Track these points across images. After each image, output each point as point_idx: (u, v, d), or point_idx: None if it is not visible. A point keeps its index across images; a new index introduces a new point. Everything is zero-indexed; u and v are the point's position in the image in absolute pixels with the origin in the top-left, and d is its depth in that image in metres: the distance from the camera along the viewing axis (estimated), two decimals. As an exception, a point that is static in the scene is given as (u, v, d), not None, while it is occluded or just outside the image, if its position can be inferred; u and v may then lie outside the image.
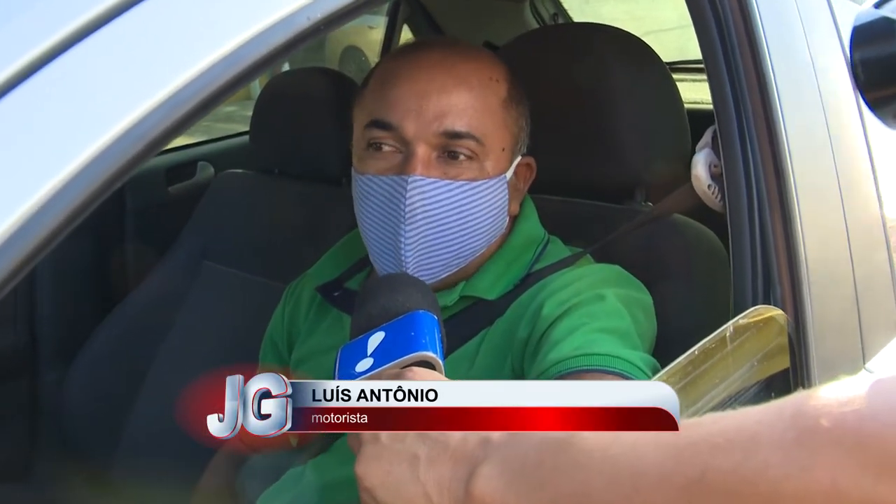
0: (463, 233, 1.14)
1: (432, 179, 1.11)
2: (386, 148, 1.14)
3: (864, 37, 1.11)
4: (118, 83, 0.60)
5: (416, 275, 1.13)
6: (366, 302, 0.91)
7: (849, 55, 1.16)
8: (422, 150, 1.11)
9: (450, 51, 1.17)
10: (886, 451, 0.53)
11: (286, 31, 0.64)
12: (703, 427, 0.61)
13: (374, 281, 1.03)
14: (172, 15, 0.63)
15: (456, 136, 1.11)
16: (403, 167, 1.12)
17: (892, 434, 0.53)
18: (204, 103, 0.60)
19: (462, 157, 1.12)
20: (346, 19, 0.69)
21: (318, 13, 0.65)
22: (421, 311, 0.85)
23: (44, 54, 0.59)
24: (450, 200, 1.12)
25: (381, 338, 0.84)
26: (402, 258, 1.12)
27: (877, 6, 1.13)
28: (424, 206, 1.11)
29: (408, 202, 1.10)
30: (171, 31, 0.62)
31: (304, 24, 0.64)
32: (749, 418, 0.59)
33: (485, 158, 1.14)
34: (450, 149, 1.12)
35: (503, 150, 1.16)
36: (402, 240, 1.12)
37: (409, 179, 1.10)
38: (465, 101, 1.12)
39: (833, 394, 0.57)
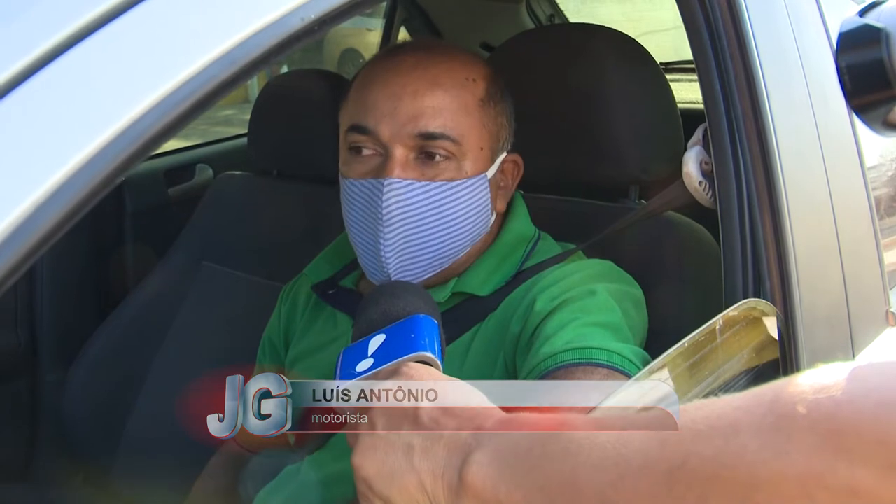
0: (444, 233, 1.15)
1: (408, 181, 1.12)
2: (366, 151, 1.15)
3: (850, 43, 1.13)
4: (114, 84, 0.61)
5: (398, 276, 1.15)
6: (368, 307, 0.92)
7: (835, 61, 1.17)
8: (399, 153, 1.12)
9: (424, 53, 1.18)
10: (861, 436, 0.54)
11: (280, 31, 0.65)
12: (688, 414, 0.62)
13: (376, 288, 1.05)
14: (167, 16, 0.64)
15: (430, 136, 1.12)
16: (381, 170, 1.13)
17: (867, 420, 0.54)
18: (199, 103, 0.61)
19: (438, 157, 1.13)
20: (339, 20, 0.70)
21: (312, 14, 0.66)
22: (421, 315, 0.87)
23: (42, 56, 0.60)
24: (428, 201, 1.13)
25: (382, 340, 0.86)
26: (383, 260, 1.13)
27: (861, 14, 1.15)
28: (401, 208, 1.12)
29: (384, 205, 1.12)
30: (166, 33, 0.64)
31: (297, 24, 0.65)
32: (730, 405, 0.60)
33: (462, 158, 1.15)
34: (426, 150, 1.13)
35: (482, 149, 1.17)
36: (382, 242, 1.13)
37: (385, 182, 1.12)
38: (439, 102, 1.13)
39: (811, 380, 0.58)
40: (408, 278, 1.15)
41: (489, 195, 1.19)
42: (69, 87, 0.60)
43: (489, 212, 1.20)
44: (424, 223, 1.14)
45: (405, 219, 1.13)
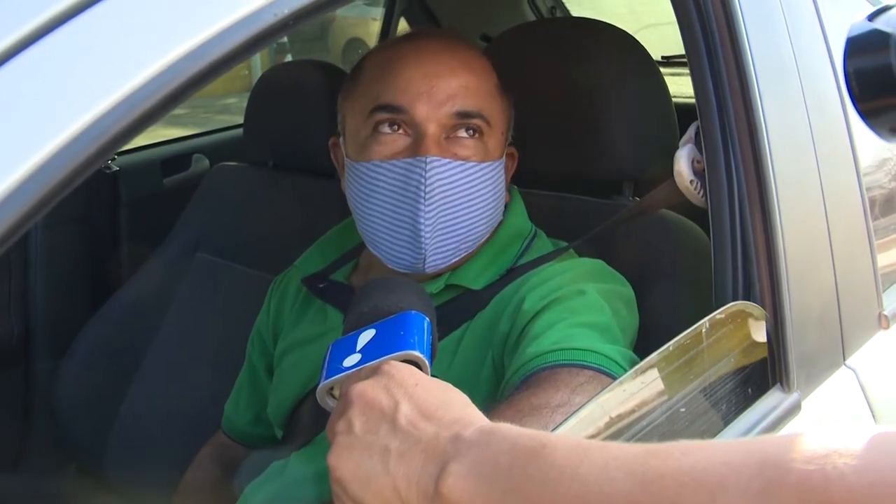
0: (473, 214, 1.15)
1: (447, 160, 1.12)
2: (395, 131, 1.14)
3: (858, 48, 1.12)
4: (83, 78, 0.60)
5: (432, 258, 1.13)
6: (360, 301, 0.90)
7: (832, 57, 1.15)
8: (434, 131, 1.12)
9: (450, 38, 1.21)
10: None
11: (252, 27, 0.64)
12: (673, 459, 0.60)
13: (370, 281, 1.04)
14: (138, 9, 0.63)
15: (468, 115, 1.13)
16: (415, 149, 1.12)
17: (860, 499, 0.52)
18: (169, 98, 0.60)
19: (473, 134, 1.14)
20: (314, 15, 0.68)
21: (286, 9, 0.65)
22: (413, 312, 0.85)
23: (11, 47, 0.59)
24: (462, 181, 1.13)
25: (372, 335, 0.84)
26: (422, 241, 1.12)
27: (870, 18, 1.14)
28: (442, 186, 1.12)
29: (427, 182, 1.11)
30: (137, 26, 0.62)
31: (270, 20, 0.64)
32: (717, 458, 0.58)
33: (489, 139, 1.16)
34: (462, 127, 1.14)
35: (502, 133, 1.19)
36: (422, 222, 1.11)
37: (428, 160, 1.11)
38: (472, 82, 1.15)
39: (802, 447, 0.56)
40: (439, 262, 1.14)
41: (504, 181, 1.21)
42: (36, 80, 0.59)
43: (503, 197, 1.22)
44: (458, 203, 1.14)
45: (444, 197, 1.12)
